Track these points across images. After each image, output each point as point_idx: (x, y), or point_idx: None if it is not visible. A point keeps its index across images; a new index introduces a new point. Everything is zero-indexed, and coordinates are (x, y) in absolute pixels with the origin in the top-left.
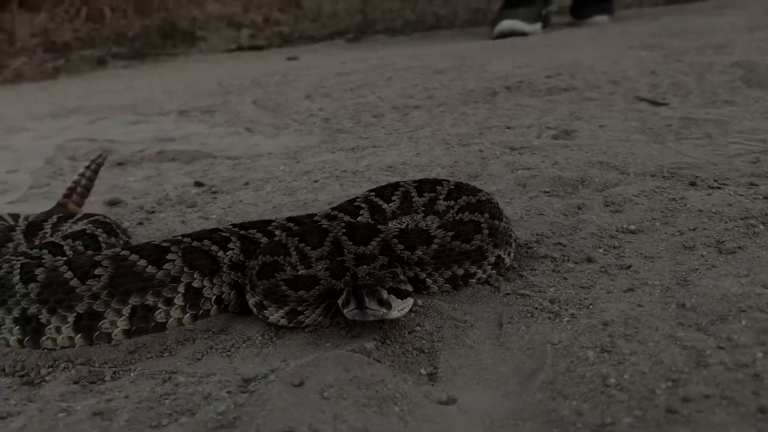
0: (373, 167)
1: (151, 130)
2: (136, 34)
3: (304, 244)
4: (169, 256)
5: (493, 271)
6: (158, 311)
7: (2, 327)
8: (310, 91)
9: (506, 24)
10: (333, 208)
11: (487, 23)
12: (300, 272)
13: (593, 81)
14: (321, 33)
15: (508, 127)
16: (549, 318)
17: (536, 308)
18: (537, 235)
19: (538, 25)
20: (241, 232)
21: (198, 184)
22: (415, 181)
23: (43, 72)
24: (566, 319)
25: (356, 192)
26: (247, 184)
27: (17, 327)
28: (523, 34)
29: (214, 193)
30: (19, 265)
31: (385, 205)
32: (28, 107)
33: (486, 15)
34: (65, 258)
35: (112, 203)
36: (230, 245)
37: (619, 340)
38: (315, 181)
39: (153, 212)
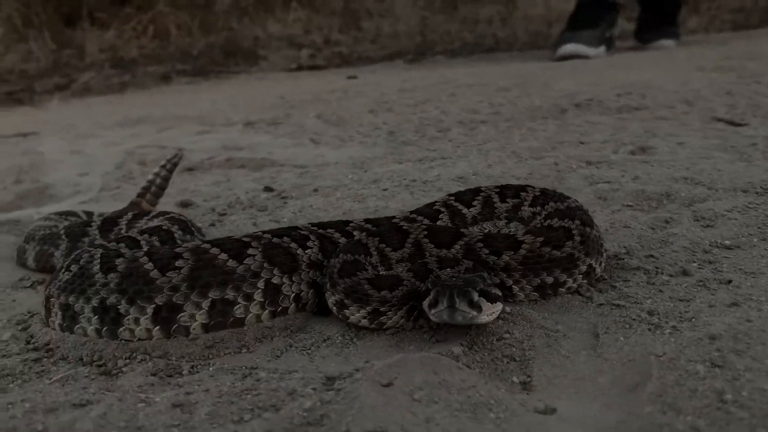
0: (443, 177)
1: (218, 140)
2: (200, 52)
3: (384, 245)
4: (250, 251)
5: (584, 281)
6: (237, 306)
7: (81, 316)
8: (373, 106)
9: (569, 47)
10: (411, 212)
11: (547, 47)
12: (382, 273)
13: (665, 101)
14: (379, 54)
15: (581, 142)
16: (649, 329)
17: (634, 319)
18: (625, 247)
19: (601, 49)
20: (320, 231)
21: (267, 189)
22: (496, 187)
23: (110, 86)
24: (668, 331)
25: (427, 201)
26: (316, 190)
27: (96, 316)
28: (585, 57)
29: (283, 198)
30: (99, 255)
31: (465, 210)
32: (96, 117)
33: (546, 38)
34: (146, 249)
35: (184, 205)
36: (309, 243)
37: (729, 355)
38: (384, 190)
39: (224, 214)
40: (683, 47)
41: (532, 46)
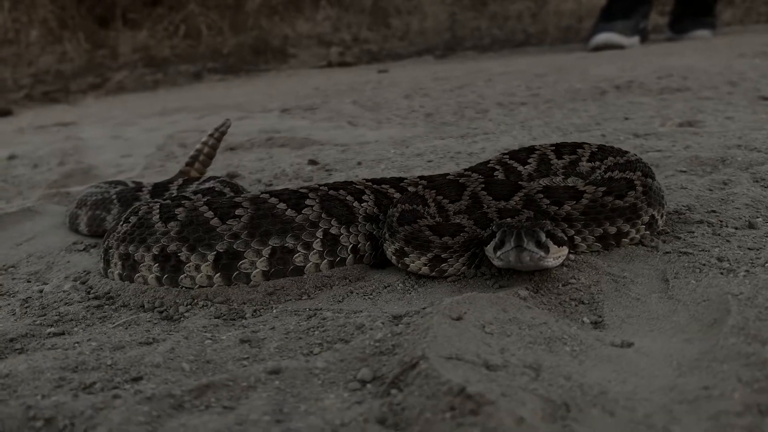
0: (488, 150)
1: (257, 124)
2: (230, 51)
3: (441, 197)
4: (308, 202)
5: (647, 232)
6: (297, 254)
7: (141, 265)
8: (409, 92)
9: (603, 37)
10: (465, 170)
11: (579, 41)
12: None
13: (708, 82)
14: (408, 51)
15: (626, 118)
16: (721, 273)
17: (704, 264)
18: (684, 206)
19: (635, 39)
20: (375, 186)
21: (312, 162)
22: (551, 145)
23: (143, 84)
24: (741, 274)
25: None
26: (359, 163)
27: (156, 264)
28: (620, 47)
29: (328, 170)
30: (158, 206)
31: (520, 168)
32: (133, 109)
33: (577, 33)
34: (205, 199)
35: (231, 176)
36: (364, 197)
37: None
38: (429, 161)
39: (270, 185)
40: (720, 37)
41: (563, 41)
